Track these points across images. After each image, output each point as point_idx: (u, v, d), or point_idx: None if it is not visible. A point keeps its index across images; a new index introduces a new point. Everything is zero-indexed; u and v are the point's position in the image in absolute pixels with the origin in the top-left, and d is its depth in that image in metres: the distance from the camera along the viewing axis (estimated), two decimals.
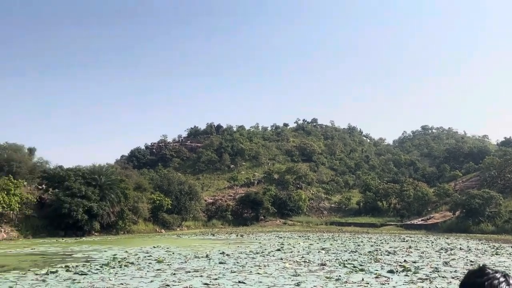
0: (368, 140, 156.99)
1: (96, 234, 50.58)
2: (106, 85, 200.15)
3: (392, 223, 71.01)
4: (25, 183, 50.95)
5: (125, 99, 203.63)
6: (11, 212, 46.04)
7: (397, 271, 18.61)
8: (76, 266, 20.17)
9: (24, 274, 17.74)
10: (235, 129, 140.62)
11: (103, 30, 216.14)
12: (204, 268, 19.37)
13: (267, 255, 25.74)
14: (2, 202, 44.34)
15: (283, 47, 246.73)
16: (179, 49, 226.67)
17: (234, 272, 18.13)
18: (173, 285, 15.03)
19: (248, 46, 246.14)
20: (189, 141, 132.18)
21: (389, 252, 28.15)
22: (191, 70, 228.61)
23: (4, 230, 44.54)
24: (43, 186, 54.77)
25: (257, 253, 26.89)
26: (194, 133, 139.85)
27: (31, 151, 66.81)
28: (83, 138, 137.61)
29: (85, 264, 20.96)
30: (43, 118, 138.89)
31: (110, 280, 16.02)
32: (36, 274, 17.51)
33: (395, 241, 41.17)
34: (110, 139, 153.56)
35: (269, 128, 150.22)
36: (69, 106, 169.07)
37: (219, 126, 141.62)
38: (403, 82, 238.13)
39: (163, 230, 59.54)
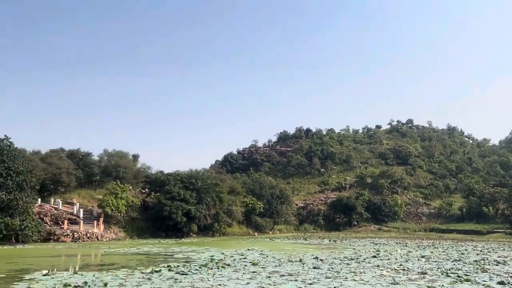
0: (471, 141, 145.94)
1: (194, 235, 53.02)
2: (199, 94, 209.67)
3: (500, 230, 65.15)
4: (130, 187, 55.13)
5: (218, 109, 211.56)
6: (119, 214, 50.03)
7: (508, 283, 16.97)
8: (177, 266, 21.26)
9: (132, 272, 19.14)
10: (324, 132, 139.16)
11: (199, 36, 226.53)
12: (298, 272, 19.32)
13: (362, 261, 24.96)
14: (111, 204, 48.38)
15: (377, 48, 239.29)
16: (269, 55, 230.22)
17: (329, 277, 17.84)
18: None
19: (339, 48, 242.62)
20: (278, 146, 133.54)
21: (498, 262, 25.77)
22: (279, 75, 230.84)
23: (113, 231, 48.51)
24: (146, 190, 58.78)
25: (351, 259, 26.20)
26: (283, 137, 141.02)
27: (135, 157, 72.17)
28: (182, 144, 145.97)
29: (185, 265, 22.02)
30: (146, 127, 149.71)
31: (209, 280, 16.64)
32: (142, 273, 18.78)
33: (504, 250, 37.62)
34: (206, 145, 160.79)
35: (360, 131, 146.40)
36: (167, 119, 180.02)
37: (308, 130, 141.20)
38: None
39: (256, 233, 60.70)
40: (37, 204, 45.64)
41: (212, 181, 58.64)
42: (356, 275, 18.74)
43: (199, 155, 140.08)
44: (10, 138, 42.50)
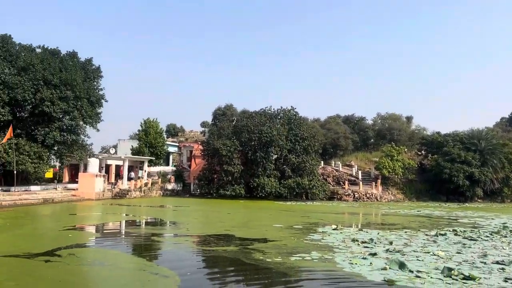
0: None
1: (479, 200, 48.63)
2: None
3: None
4: (405, 149, 54.41)
5: None
6: (396, 176, 50.26)
7: None
8: (464, 231, 19.86)
9: (415, 233, 18.97)
10: None
11: None
12: None
13: None
14: (387, 166, 49.06)
15: None
16: None
17: None
18: None
19: None
20: None
21: None
22: None
23: (391, 192, 49.22)
24: (422, 152, 56.92)
25: None
26: None
27: (409, 119, 70.64)
28: (456, 103, 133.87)
29: (473, 230, 20.36)
30: (419, 89, 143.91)
31: (503, 249, 14.90)
32: (426, 235, 18.36)
33: None
34: (486, 101, 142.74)
35: None
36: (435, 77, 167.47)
37: None
38: None
39: None
40: (320, 166, 50.55)
41: (498, 141, 51.92)
42: None
43: (479, 113, 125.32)
44: (295, 108, 48.18)
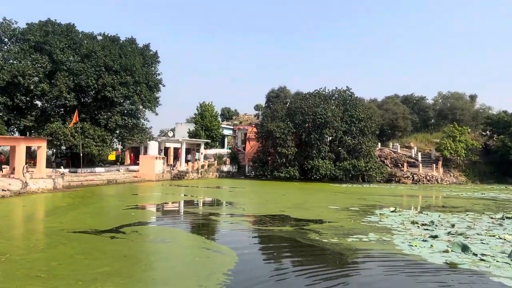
0: None
1: None
2: None
3: None
4: (469, 129, 51.76)
5: None
6: (458, 157, 48.04)
7: None
8: None
9: (479, 216, 18.13)
10: None
11: None
12: None
13: None
14: (449, 148, 46.97)
15: None
16: None
17: None
18: None
19: None
20: None
21: None
22: None
23: (453, 174, 47.17)
24: (487, 132, 53.86)
25: None
26: None
27: (472, 98, 66.94)
28: None
29: None
30: (484, 65, 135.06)
31: None
32: (491, 218, 17.49)
33: None
34: None
35: None
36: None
37: None
38: None
39: None
40: (377, 148, 49.29)
41: None
42: None
43: None
44: (351, 88, 47.07)
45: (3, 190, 22.31)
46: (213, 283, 7.80)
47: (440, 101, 65.14)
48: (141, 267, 8.96)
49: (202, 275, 8.36)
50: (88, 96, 37.82)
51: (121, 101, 36.83)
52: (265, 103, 72.36)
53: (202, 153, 50.16)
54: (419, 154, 49.64)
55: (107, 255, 9.84)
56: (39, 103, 36.29)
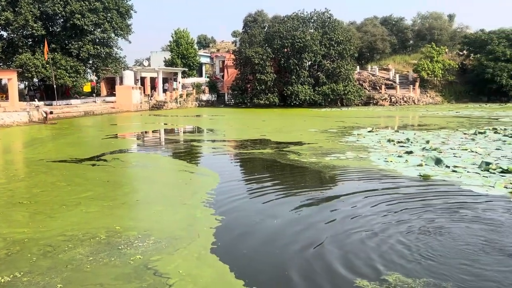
0: None
1: None
2: None
3: None
4: (446, 50, 51.72)
5: None
6: (435, 78, 48.47)
7: None
8: (504, 129, 19.40)
9: (453, 132, 18.70)
10: None
11: None
12: None
13: None
14: (426, 69, 47.21)
15: None
16: None
17: None
18: None
19: None
20: None
21: None
22: None
23: (429, 95, 47.90)
24: (464, 52, 54.04)
25: None
26: None
27: (451, 17, 66.13)
28: None
29: None
30: None
31: None
32: (465, 133, 18.08)
33: None
34: None
35: None
36: None
37: None
38: None
39: None
40: (356, 71, 49.14)
41: None
42: None
43: None
44: (330, 10, 45.77)
45: None
46: (197, 201, 8.01)
47: (419, 21, 64.20)
48: (124, 191, 9.10)
49: (186, 194, 8.56)
50: (56, 24, 36.04)
51: (92, 29, 35.21)
52: (242, 29, 70.23)
53: (179, 82, 49.30)
54: (397, 76, 49.84)
55: (89, 181, 9.90)
56: (4, 33, 34.55)
